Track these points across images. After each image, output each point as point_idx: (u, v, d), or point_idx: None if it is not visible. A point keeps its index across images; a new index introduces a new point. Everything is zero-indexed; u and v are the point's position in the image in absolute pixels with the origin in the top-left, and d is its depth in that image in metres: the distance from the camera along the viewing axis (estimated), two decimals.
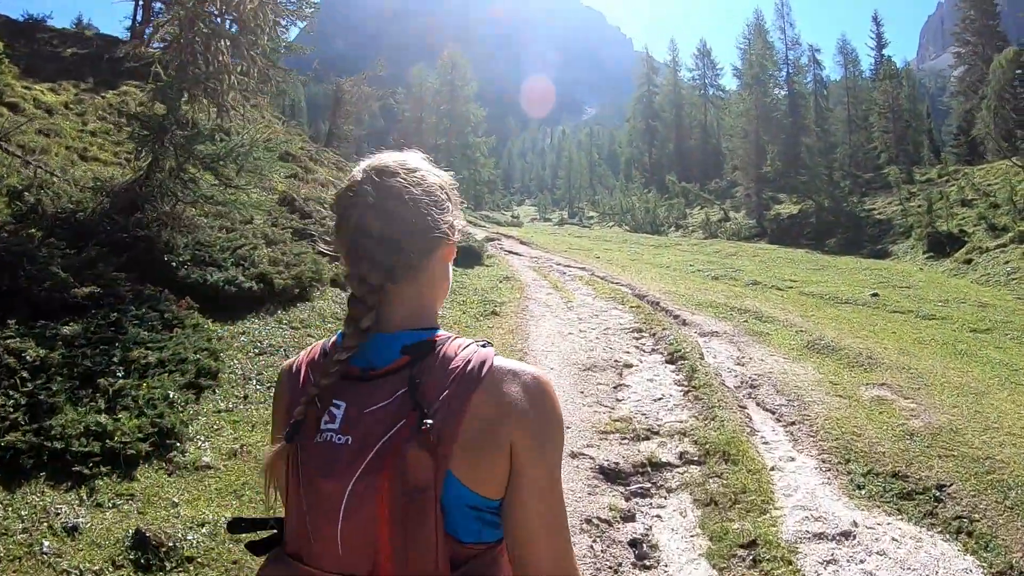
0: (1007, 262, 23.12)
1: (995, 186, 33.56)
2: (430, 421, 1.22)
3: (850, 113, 58.22)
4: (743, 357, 10.03)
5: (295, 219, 12.36)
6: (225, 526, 1.79)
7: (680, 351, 9.89)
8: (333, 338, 1.44)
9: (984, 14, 51.95)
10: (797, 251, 34.12)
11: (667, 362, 9.71)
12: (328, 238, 4.68)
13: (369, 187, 1.38)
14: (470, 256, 17.52)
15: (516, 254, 23.71)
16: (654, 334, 11.25)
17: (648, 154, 77.14)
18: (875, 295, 17.49)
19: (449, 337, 1.40)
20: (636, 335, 11.36)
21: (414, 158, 1.50)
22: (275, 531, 1.45)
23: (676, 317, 12.73)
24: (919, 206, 32.40)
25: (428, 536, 1.22)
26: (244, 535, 1.49)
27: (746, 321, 12.40)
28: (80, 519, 4.76)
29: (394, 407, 1.27)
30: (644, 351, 10.45)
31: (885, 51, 65.73)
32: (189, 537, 4.63)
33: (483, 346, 1.39)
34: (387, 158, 1.47)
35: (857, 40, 64.75)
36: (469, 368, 1.31)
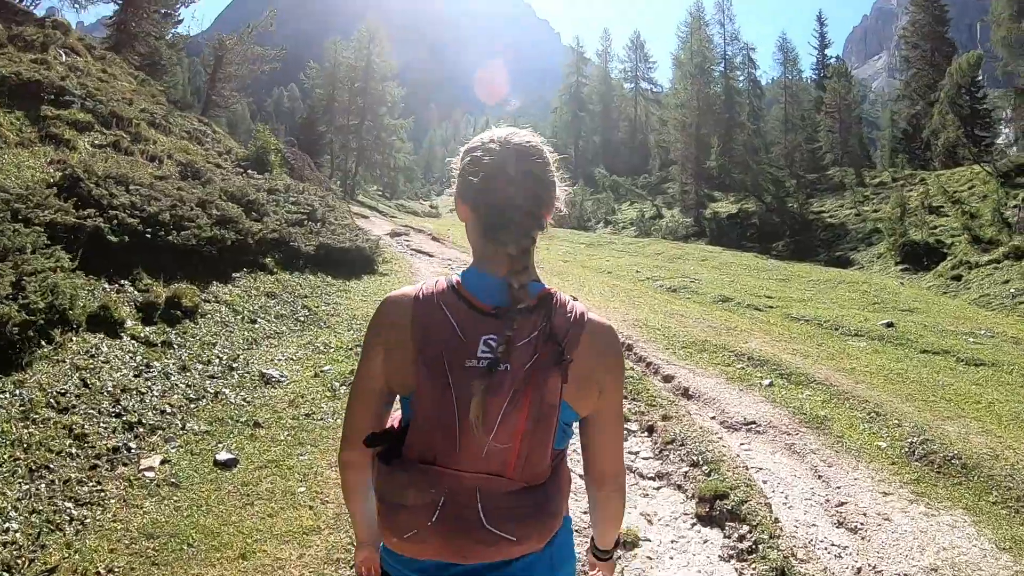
0: (1006, 281, 20.26)
1: (962, 193, 31.04)
2: (569, 357, 1.51)
3: (787, 112, 55.61)
4: (831, 497, 5.36)
5: (68, 209, 7.63)
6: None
7: (721, 491, 5.04)
8: (454, 279, 1.62)
9: (935, 19, 50.00)
10: (744, 255, 30.48)
11: (704, 521, 4.93)
12: (453, 194, 1.87)
13: (512, 165, 1.60)
14: (355, 263, 12.94)
15: (425, 254, 19.13)
16: (650, 427, 6.58)
17: (574, 146, 73.56)
18: (890, 325, 13.69)
19: (555, 289, 1.64)
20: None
21: (535, 137, 1.70)
22: (390, 442, 1.61)
23: (670, 380, 8.18)
24: (891, 212, 29.16)
25: (547, 443, 1.53)
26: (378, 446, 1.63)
27: (772, 385, 7.98)
28: None
29: (535, 340, 1.50)
30: (648, 486, 5.60)
31: (828, 51, 64.12)
32: None
33: (575, 299, 1.67)
34: (517, 136, 1.66)
35: (795, 40, 62.62)
36: (577, 316, 1.60)
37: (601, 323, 1.65)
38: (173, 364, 6.71)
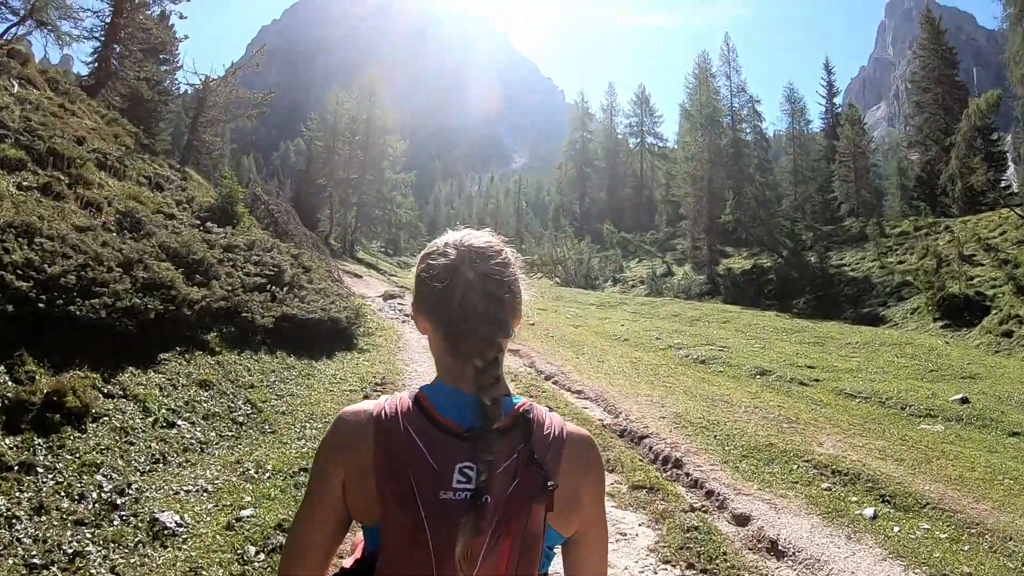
0: None
1: (994, 239, 28.99)
2: (553, 483, 1.38)
3: (796, 163, 53.98)
4: None
5: None
6: None
7: None
8: (419, 392, 1.48)
9: (944, 62, 48.67)
10: (765, 314, 28.42)
11: None
12: (411, 307, 1.69)
13: (469, 271, 1.48)
14: (327, 338, 10.79)
15: None
16: None
17: (579, 202, 72.27)
18: (965, 401, 11.57)
19: (531, 402, 1.52)
20: None
21: (494, 238, 1.59)
22: None
23: (745, 522, 5.73)
24: (921, 263, 27.12)
25: (534, 572, 1.38)
26: None
27: (876, 517, 5.64)
28: None
29: (513, 465, 1.38)
30: None
31: (836, 99, 62.71)
32: None
33: (550, 411, 1.54)
34: (474, 239, 1.55)
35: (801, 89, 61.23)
36: (557, 433, 1.48)
37: (580, 435, 1.53)
38: (27, 502, 4.57)
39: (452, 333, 1.49)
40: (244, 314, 9.31)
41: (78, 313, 6.73)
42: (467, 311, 1.46)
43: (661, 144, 73.56)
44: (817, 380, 13.81)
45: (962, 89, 49.56)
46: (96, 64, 22.92)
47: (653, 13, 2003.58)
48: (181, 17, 27.87)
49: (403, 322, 16.67)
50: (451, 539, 1.31)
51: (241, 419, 7.11)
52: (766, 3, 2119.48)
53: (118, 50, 23.02)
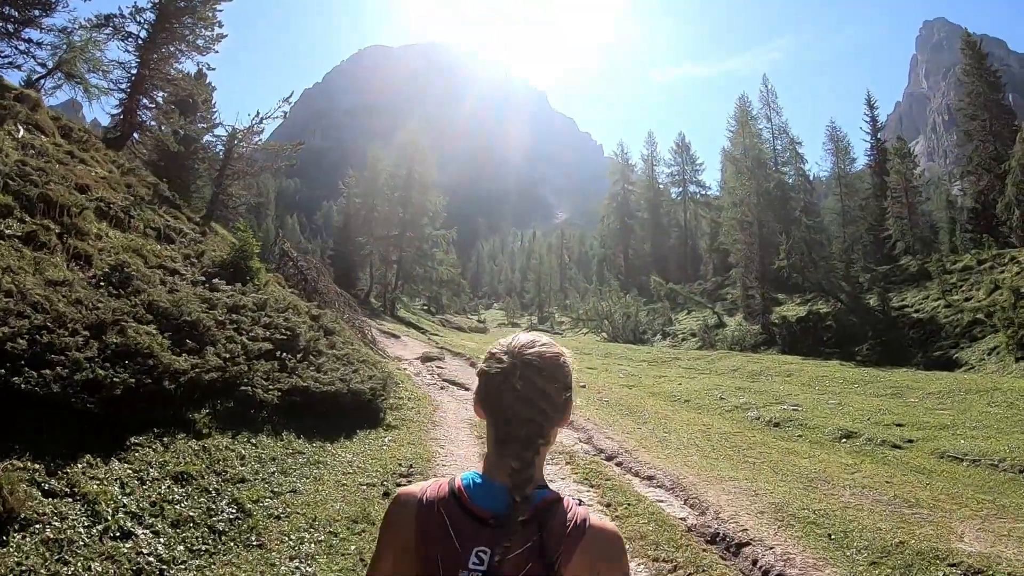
0: None
1: None
2: (559, 573, 1.49)
3: (844, 204, 51.91)
4: None
5: None
6: None
7: None
8: (458, 480, 1.64)
9: (989, 87, 46.74)
10: (828, 364, 26.46)
11: None
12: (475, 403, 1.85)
13: (519, 381, 1.61)
14: (347, 414, 9.35)
15: (459, 386, 15.47)
16: None
17: (623, 255, 70.72)
18: None
19: (560, 494, 1.63)
20: None
21: (548, 343, 1.70)
22: None
23: None
24: (990, 299, 25.07)
25: None
26: None
27: None
28: None
29: (526, 553, 1.49)
30: None
31: (879, 134, 60.68)
32: None
33: (579, 504, 1.65)
34: (528, 351, 1.65)
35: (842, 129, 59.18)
36: (576, 523, 1.57)
37: (604, 529, 1.62)
38: None
39: (499, 431, 1.63)
40: (244, 387, 7.93)
41: (23, 387, 5.42)
42: (512, 415, 1.61)
43: (704, 192, 72.21)
44: (911, 441, 12.09)
45: (1009, 114, 47.69)
46: (121, 115, 22.13)
47: (686, 63, 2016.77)
48: (209, 68, 27.36)
49: (441, 388, 15.19)
50: None
51: (222, 526, 5.58)
52: (796, 47, 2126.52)
53: (144, 101, 22.27)
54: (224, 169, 21.95)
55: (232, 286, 10.66)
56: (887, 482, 8.63)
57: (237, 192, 23.40)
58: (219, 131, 23.97)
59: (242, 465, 6.76)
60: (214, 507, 5.82)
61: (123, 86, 21.38)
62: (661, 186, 74.37)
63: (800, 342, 35.08)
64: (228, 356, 7.99)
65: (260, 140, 23.48)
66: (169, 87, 22.49)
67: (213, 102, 30.53)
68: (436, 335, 36.31)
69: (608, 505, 7.27)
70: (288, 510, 6.18)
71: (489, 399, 1.65)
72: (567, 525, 1.56)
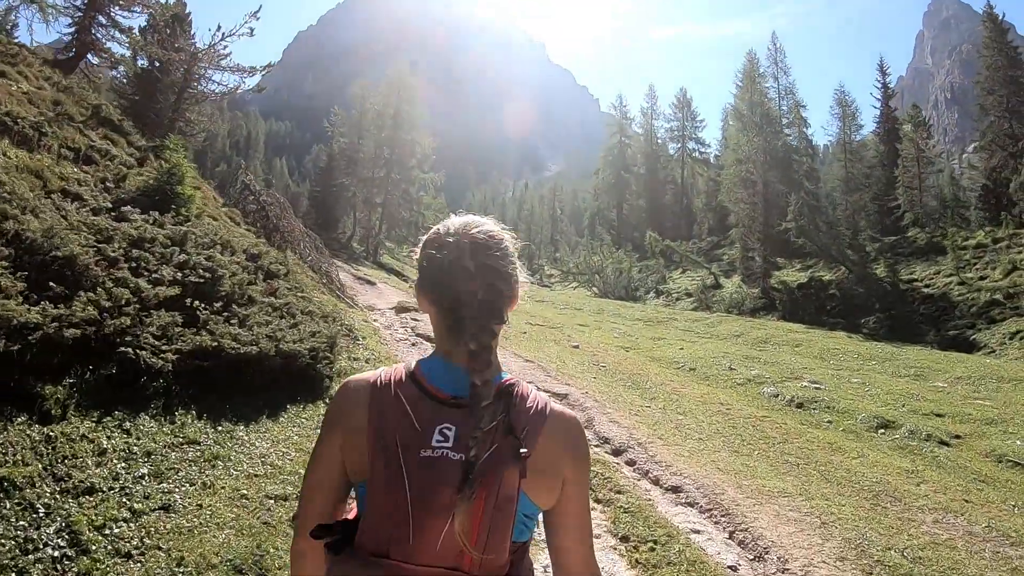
0: None
1: None
2: (525, 450, 1.44)
3: (848, 171, 49.58)
4: None
5: None
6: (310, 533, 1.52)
7: None
8: (413, 366, 1.56)
9: (1011, 62, 44.49)
10: (835, 335, 24.75)
11: None
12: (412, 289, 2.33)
13: (468, 258, 1.54)
14: (276, 383, 7.15)
15: (433, 343, 13.58)
16: None
17: (617, 209, 68.46)
18: None
19: (517, 379, 1.58)
20: None
21: (496, 227, 1.65)
22: (341, 533, 1.51)
23: None
24: (1010, 278, 23.30)
25: (505, 535, 1.42)
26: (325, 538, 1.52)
27: None
28: None
29: (492, 433, 1.43)
30: None
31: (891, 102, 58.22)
32: None
33: (537, 389, 1.63)
34: (475, 230, 1.59)
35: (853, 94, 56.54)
36: (537, 408, 1.54)
37: (564, 414, 1.60)
38: None
39: (450, 317, 1.56)
40: (126, 348, 5.78)
41: None
42: (466, 297, 1.53)
43: (703, 150, 69.97)
44: (958, 437, 10.37)
45: None
46: (74, 35, 19.65)
47: (687, 23, 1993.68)
48: None
49: (413, 345, 13.14)
50: (427, 492, 1.38)
51: (38, 571, 3.59)
52: (802, 14, 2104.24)
53: (100, 19, 19.76)
54: (182, 92, 19.54)
55: (149, 215, 8.48)
56: (965, 500, 6.81)
57: (196, 119, 20.96)
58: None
59: (98, 465, 4.65)
60: (34, 538, 3.77)
61: (78, 2, 18.88)
62: (660, 141, 71.86)
63: (801, 309, 33.37)
64: (110, 304, 5.87)
65: (236, 63, 21.09)
66: (135, 4, 19.94)
67: (191, 28, 27.87)
68: (403, 277, 34.41)
69: (624, 539, 5.18)
70: (147, 542, 4.09)
71: (438, 285, 1.57)
72: (529, 408, 1.53)
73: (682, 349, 17.05)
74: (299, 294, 9.47)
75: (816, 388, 12.89)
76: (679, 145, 70.90)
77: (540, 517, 1.60)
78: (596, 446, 7.89)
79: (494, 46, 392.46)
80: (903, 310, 29.98)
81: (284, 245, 15.60)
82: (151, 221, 8.21)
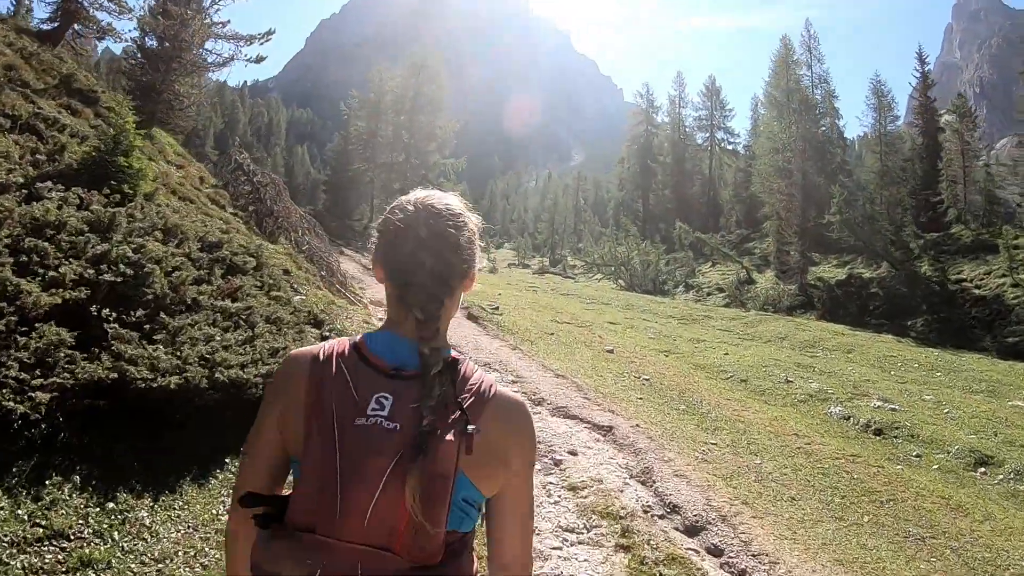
0: None
1: None
2: (474, 427, 1.38)
3: (883, 163, 46.84)
4: None
5: None
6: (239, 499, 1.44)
7: None
8: (357, 338, 1.54)
9: None
10: (883, 338, 22.80)
11: None
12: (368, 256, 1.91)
13: (423, 227, 1.53)
14: (220, 420, 5.05)
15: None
16: None
17: (643, 200, 66.36)
18: None
19: (464, 357, 1.54)
20: None
21: (457, 201, 1.63)
22: (271, 506, 1.45)
23: None
24: None
25: (440, 515, 1.34)
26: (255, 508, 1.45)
27: None
28: None
29: (437, 403, 1.39)
30: None
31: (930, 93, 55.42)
32: None
33: (485, 371, 1.61)
34: (435, 200, 1.59)
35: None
36: (482, 388, 1.49)
37: (511, 397, 1.57)
38: None
39: (400, 284, 1.54)
40: None
41: None
42: (415, 265, 1.52)
43: (732, 140, 67.75)
44: None
45: None
46: (60, 2, 17.82)
47: (715, 13, 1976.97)
48: None
49: None
50: (357, 461, 1.34)
51: None
52: (831, 6, 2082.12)
53: None
54: (170, 63, 17.69)
55: (71, 193, 6.53)
56: None
57: (186, 91, 19.08)
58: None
59: None
60: None
61: None
62: (688, 130, 69.54)
63: (842, 308, 31.31)
64: None
65: (233, 31, 19.30)
66: None
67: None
68: None
69: None
70: None
71: (390, 251, 1.57)
72: (472, 387, 1.49)
73: (727, 354, 15.14)
74: (272, 293, 7.59)
75: (892, 409, 10.97)
76: (707, 135, 68.50)
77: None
78: (660, 517, 5.72)
79: (518, 34, 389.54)
80: (953, 312, 27.89)
81: (277, 232, 13.79)
82: (69, 201, 6.28)
